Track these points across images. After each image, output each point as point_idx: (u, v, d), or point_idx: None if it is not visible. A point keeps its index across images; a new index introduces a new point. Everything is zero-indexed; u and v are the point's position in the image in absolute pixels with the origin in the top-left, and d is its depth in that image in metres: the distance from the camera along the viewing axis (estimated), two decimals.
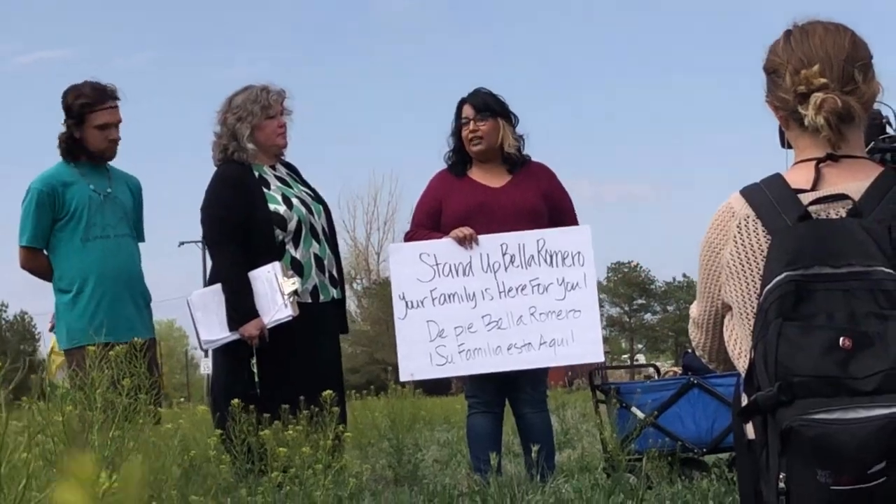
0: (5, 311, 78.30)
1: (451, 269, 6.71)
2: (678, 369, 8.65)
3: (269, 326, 6.44)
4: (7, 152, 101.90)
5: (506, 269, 6.71)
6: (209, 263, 7.05)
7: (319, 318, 6.65)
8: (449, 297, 6.71)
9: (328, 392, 5.28)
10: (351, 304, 67.92)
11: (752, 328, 3.03)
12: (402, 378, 6.89)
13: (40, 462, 3.20)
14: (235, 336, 6.49)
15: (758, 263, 3.11)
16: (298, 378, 6.29)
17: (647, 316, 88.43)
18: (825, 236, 2.98)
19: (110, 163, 6.91)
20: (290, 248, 6.60)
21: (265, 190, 6.63)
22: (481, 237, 6.70)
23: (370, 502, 5.54)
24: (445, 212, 6.86)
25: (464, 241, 6.69)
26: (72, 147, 6.74)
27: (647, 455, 6.57)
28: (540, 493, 5.59)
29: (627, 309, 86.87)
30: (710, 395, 6.98)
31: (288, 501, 4.80)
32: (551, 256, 6.72)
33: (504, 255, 6.71)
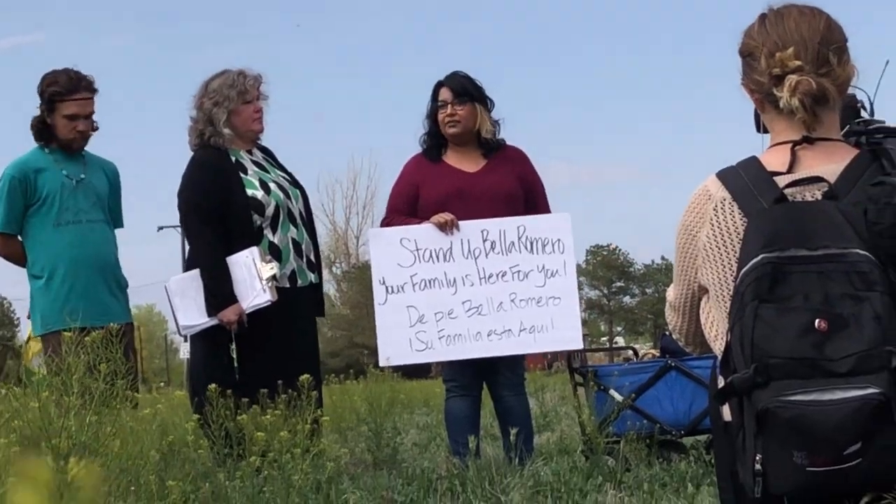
0: None
1: (431, 255, 6.71)
2: (656, 352, 8.67)
3: (247, 311, 6.43)
4: None
5: (486, 255, 6.72)
6: (188, 248, 7.04)
7: (297, 302, 6.64)
8: (429, 282, 6.72)
9: (305, 376, 5.28)
10: (330, 288, 67.97)
11: (728, 310, 3.04)
12: (382, 363, 6.89)
13: (16, 448, 3.20)
14: (214, 321, 6.48)
15: (734, 246, 3.12)
16: (277, 363, 6.28)
17: (626, 299, 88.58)
18: (801, 219, 2.99)
19: (87, 148, 6.89)
20: (267, 233, 6.58)
21: (242, 175, 6.61)
22: (462, 223, 6.70)
23: (349, 486, 5.54)
24: (423, 197, 6.86)
25: (444, 227, 6.69)
26: (43, 132, 6.74)
27: (626, 437, 6.58)
28: (518, 476, 5.60)
29: (606, 292, 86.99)
30: (688, 377, 7.00)
31: (267, 486, 4.80)
32: (532, 243, 6.73)
33: (485, 241, 6.72)
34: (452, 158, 6.94)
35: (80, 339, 3.59)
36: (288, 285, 6.60)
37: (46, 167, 6.72)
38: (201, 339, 6.64)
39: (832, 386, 2.80)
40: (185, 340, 8.07)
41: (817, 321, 2.85)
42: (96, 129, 6.82)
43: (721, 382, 3.03)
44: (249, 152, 6.79)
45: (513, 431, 6.16)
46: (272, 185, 6.65)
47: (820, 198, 3.06)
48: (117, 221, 7.06)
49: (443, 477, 5.89)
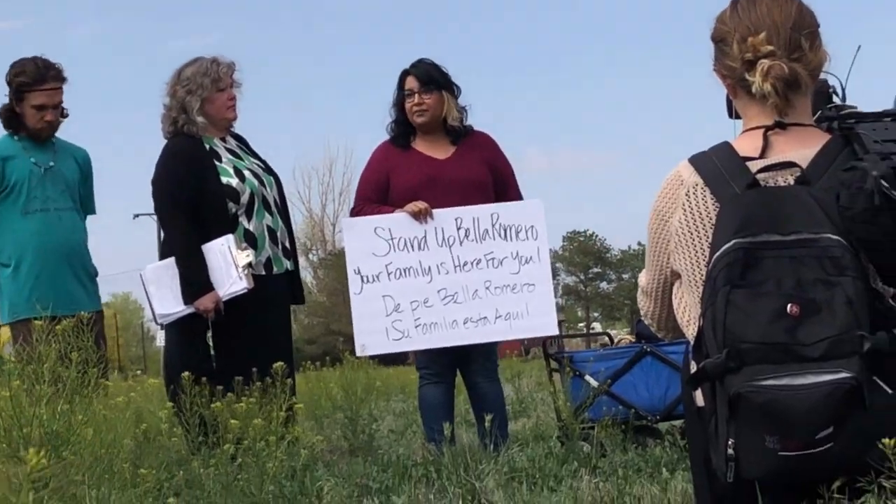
0: None
1: (406, 244, 6.71)
2: (632, 337, 8.67)
3: (224, 299, 6.42)
4: None
5: (461, 243, 6.72)
6: (163, 237, 7.01)
7: (273, 290, 6.63)
8: (404, 271, 6.71)
9: (279, 364, 5.27)
10: (307, 276, 67.85)
11: (700, 296, 3.05)
12: (358, 353, 6.88)
13: None
14: (190, 310, 6.46)
15: (706, 231, 3.12)
16: (252, 350, 6.27)
17: (603, 284, 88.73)
18: (773, 204, 2.99)
19: (61, 135, 6.86)
20: (242, 220, 6.56)
21: (216, 163, 6.59)
22: (436, 211, 6.70)
23: (324, 473, 5.53)
24: (394, 185, 6.84)
25: (418, 216, 6.68)
26: (12, 121, 6.72)
27: (601, 423, 6.59)
28: (493, 463, 5.60)
29: (583, 278, 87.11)
30: (664, 362, 7.00)
31: (242, 473, 4.79)
32: (505, 230, 6.73)
33: (459, 229, 6.72)
34: (421, 146, 6.93)
35: (51, 328, 3.57)
36: (263, 273, 6.59)
37: (15, 155, 6.69)
38: (177, 327, 6.62)
39: (804, 371, 2.81)
40: (162, 328, 8.06)
41: (789, 306, 2.86)
42: (66, 116, 6.79)
43: (693, 368, 3.04)
44: (223, 140, 6.77)
45: (487, 418, 6.17)
46: (246, 173, 6.63)
47: (792, 183, 3.07)
48: (89, 208, 7.03)
49: (418, 464, 5.89)
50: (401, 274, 6.70)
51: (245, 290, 6.39)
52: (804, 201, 2.97)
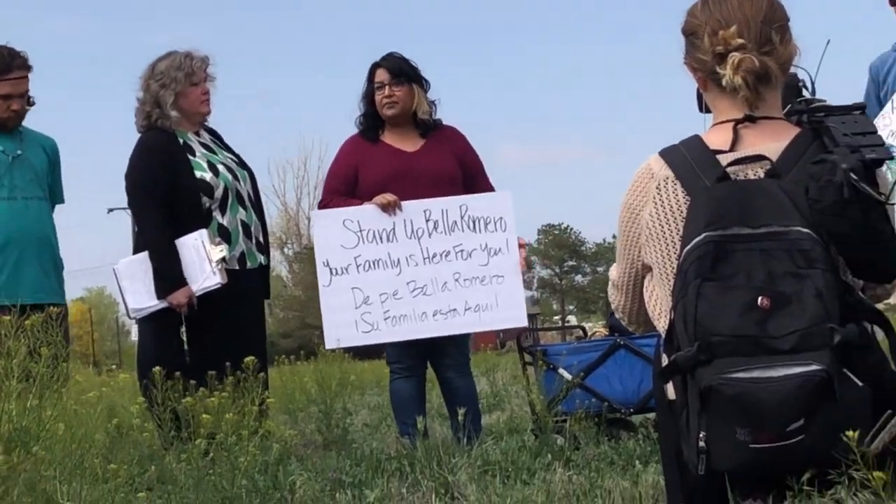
0: None
1: (375, 236, 6.69)
2: (606, 330, 8.67)
3: (197, 294, 6.40)
4: None
5: (430, 235, 6.70)
6: (136, 231, 6.98)
7: (246, 284, 6.62)
8: (373, 263, 6.69)
9: (250, 358, 5.26)
10: (282, 270, 67.78)
11: (671, 289, 3.05)
12: (329, 345, 6.86)
13: None
14: (163, 304, 6.44)
15: (677, 224, 3.13)
16: (225, 345, 6.25)
17: (578, 277, 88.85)
18: (743, 197, 3.00)
19: (30, 125, 6.82)
20: (216, 215, 6.54)
21: (190, 157, 6.56)
22: (404, 203, 6.68)
23: (297, 467, 5.52)
24: (363, 178, 6.82)
25: (387, 208, 6.67)
26: None
27: (574, 416, 6.59)
28: (467, 456, 5.60)
29: (558, 271, 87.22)
30: (637, 355, 7.01)
31: (215, 467, 4.78)
32: (474, 222, 6.72)
33: (427, 221, 6.70)
34: (390, 139, 6.91)
35: (19, 322, 3.55)
36: (237, 267, 6.57)
37: None
38: (150, 322, 6.59)
39: (775, 363, 2.82)
40: (136, 323, 8.02)
41: (760, 299, 2.87)
42: (32, 104, 6.73)
43: (665, 361, 3.05)
44: (197, 134, 6.74)
45: (460, 412, 6.17)
46: (220, 167, 6.61)
47: (762, 176, 3.08)
48: (57, 197, 6.98)
49: (392, 457, 5.88)
50: (370, 266, 6.68)
51: (218, 285, 6.37)
52: (774, 194, 2.98)
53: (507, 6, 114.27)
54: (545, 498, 4.66)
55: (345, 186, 6.83)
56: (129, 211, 7.04)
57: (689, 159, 3.15)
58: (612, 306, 3.55)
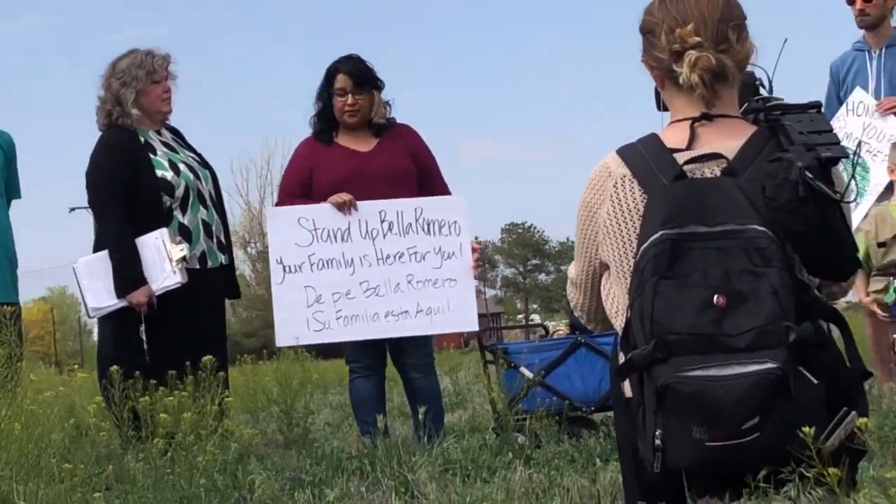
0: None
1: (329, 235, 6.68)
2: (568, 329, 8.66)
3: (157, 293, 6.37)
4: None
5: (384, 236, 6.71)
6: (96, 230, 6.95)
7: (207, 284, 6.60)
8: (327, 262, 6.68)
9: (208, 357, 5.25)
10: (246, 269, 67.50)
11: (628, 287, 3.05)
12: (282, 343, 6.84)
13: None
14: (123, 303, 6.41)
15: (634, 222, 3.13)
16: (185, 344, 6.23)
17: (542, 276, 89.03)
18: (700, 195, 3.01)
19: None
20: (177, 214, 6.53)
21: (151, 156, 6.54)
22: (360, 204, 6.67)
23: (256, 466, 5.50)
24: (318, 179, 6.80)
25: (343, 207, 6.66)
26: None
27: (535, 414, 6.59)
28: (427, 455, 5.60)
29: (522, 269, 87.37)
30: (598, 353, 7.01)
31: (174, 467, 4.76)
32: (429, 225, 6.73)
33: (382, 222, 6.70)
34: (345, 140, 6.88)
35: None
36: (198, 266, 6.56)
37: None
38: (110, 321, 6.57)
39: (731, 361, 2.83)
40: (97, 322, 7.99)
41: (716, 297, 2.87)
42: None
43: (622, 358, 3.05)
44: (158, 133, 6.73)
45: (421, 410, 6.17)
46: (181, 166, 6.59)
47: (719, 174, 3.09)
48: (14, 192, 6.95)
49: (352, 456, 5.87)
50: (323, 265, 6.68)
51: (179, 285, 6.35)
52: (730, 192, 2.98)
53: (473, 4, 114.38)
54: (504, 496, 4.66)
55: (300, 189, 6.81)
56: (90, 210, 6.99)
57: (646, 157, 3.15)
58: (571, 304, 3.55)
